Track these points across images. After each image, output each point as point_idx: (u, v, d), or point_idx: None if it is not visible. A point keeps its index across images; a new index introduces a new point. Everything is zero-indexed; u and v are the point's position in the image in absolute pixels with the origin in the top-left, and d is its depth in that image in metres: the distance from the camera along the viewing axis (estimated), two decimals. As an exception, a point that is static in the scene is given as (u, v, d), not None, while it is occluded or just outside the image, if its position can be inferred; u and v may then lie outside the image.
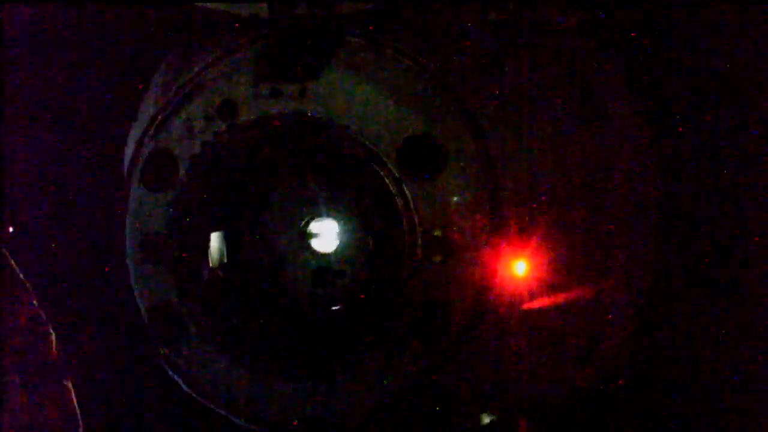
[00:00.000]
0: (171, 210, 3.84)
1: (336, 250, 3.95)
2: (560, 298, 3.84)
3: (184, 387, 3.91)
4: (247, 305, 3.96)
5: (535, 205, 3.76)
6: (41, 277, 4.48)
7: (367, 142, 3.68)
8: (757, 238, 3.85)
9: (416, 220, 3.67)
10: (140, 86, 4.17)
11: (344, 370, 3.80)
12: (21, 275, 4.35)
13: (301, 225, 3.97)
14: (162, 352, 3.89)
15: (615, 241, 3.87)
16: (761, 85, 3.76)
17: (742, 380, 3.96)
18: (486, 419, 4.09)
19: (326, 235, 3.97)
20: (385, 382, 3.78)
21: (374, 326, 3.83)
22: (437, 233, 3.69)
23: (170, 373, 3.92)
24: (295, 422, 3.82)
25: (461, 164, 3.68)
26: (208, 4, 3.95)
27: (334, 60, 3.73)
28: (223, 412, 3.90)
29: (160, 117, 3.86)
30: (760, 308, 3.91)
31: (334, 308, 3.96)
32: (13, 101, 4.47)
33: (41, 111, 4.57)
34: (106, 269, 4.65)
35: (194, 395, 3.91)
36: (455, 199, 3.69)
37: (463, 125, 3.70)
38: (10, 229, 4.47)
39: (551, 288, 3.84)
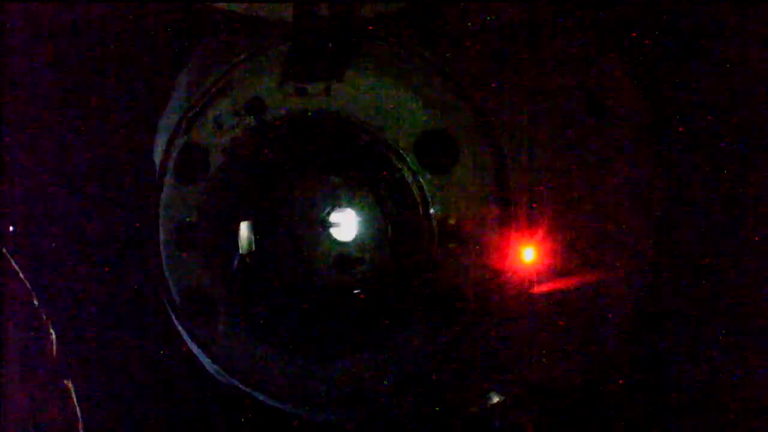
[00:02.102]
0: (202, 200, 4.02)
1: (355, 239, 4.13)
2: (565, 284, 4.07)
3: (214, 365, 4.06)
4: (273, 290, 4.13)
5: (542, 198, 3.99)
6: (48, 276, 4.52)
7: (386, 137, 3.90)
8: (757, 238, 4.02)
9: (432, 209, 3.90)
10: (162, 85, 4.33)
11: (363, 350, 4.00)
12: (21, 275, 4.39)
13: (323, 215, 4.14)
14: (193, 333, 4.04)
15: (617, 233, 4.12)
16: (762, 85, 3.96)
17: (741, 378, 4.12)
18: (495, 399, 4.31)
19: (346, 224, 4.16)
20: (400, 362, 3.98)
21: (391, 309, 4.02)
22: (452, 222, 3.92)
23: (200, 353, 4.07)
24: (318, 399, 4.00)
25: (473, 158, 3.92)
26: (229, 5, 4.13)
27: (356, 60, 3.96)
28: (249, 390, 4.06)
29: (191, 113, 4.04)
30: (760, 305, 4.07)
31: (354, 292, 4.14)
32: (33, 99, 4.56)
33: (58, 108, 4.65)
34: (106, 269, 4.73)
35: (223, 374, 4.06)
36: (468, 190, 3.92)
37: (475, 121, 3.94)
38: (10, 228, 4.50)
39: (557, 274, 4.06)
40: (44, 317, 4.46)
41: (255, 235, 4.12)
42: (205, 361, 4.11)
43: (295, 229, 4.18)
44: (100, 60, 4.60)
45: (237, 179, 4.06)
